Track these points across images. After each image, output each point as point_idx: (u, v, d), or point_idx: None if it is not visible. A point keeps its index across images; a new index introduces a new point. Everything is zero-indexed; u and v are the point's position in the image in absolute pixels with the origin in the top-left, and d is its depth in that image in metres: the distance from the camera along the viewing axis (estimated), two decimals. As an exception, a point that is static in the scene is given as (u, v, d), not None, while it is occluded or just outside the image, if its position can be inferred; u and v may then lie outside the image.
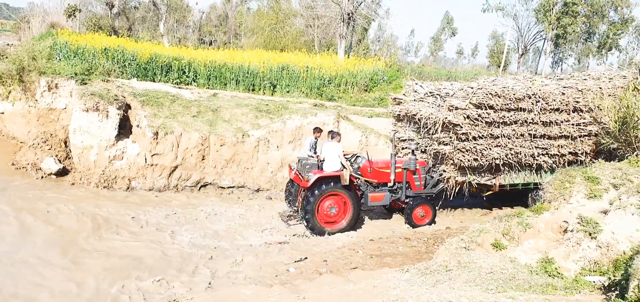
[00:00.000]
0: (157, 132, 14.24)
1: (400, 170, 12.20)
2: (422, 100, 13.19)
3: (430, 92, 13.18)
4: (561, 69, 55.66)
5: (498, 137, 11.95)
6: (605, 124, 11.51)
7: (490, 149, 11.91)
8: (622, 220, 6.63)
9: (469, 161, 11.83)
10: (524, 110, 11.96)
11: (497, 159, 12.00)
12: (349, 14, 26.64)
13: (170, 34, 35.46)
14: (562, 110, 12.24)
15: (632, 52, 47.68)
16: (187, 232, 10.96)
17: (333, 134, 11.80)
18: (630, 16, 44.23)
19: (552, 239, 7.30)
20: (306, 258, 9.71)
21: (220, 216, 12.42)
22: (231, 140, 14.75)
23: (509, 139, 12.04)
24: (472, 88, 12.24)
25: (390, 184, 12.19)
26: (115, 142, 14.16)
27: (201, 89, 18.25)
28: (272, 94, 19.60)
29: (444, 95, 12.54)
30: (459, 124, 11.53)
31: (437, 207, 12.91)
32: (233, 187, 14.74)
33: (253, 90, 19.67)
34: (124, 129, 14.56)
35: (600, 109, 11.46)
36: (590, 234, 6.65)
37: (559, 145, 12.35)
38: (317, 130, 12.83)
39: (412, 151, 12.53)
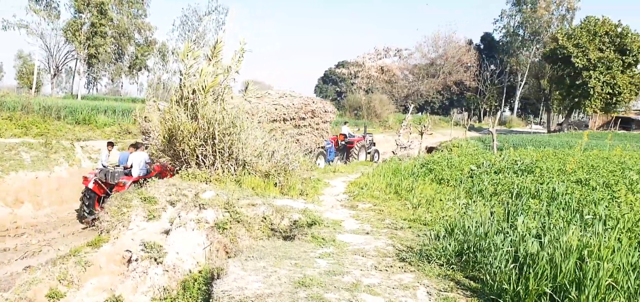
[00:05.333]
0: None
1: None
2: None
3: None
4: (97, 89, 57.66)
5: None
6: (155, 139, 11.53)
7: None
8: (184, 238, 6.60)
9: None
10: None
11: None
12: None
13: None
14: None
15: (159, 72, 53.21)
16: None
17: (138, 145, 13.50)
18: (153, 39, 49.20)
19: (118, 272, 6.63)
20: None
21: None
22: None
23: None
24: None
25: None
26: None
27: None
28: None
29: None
30: None
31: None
32: None
33: None
34: None
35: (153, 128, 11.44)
36: (155, 260, 6.35)
37: None
38: (110, 144, 14.48)
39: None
